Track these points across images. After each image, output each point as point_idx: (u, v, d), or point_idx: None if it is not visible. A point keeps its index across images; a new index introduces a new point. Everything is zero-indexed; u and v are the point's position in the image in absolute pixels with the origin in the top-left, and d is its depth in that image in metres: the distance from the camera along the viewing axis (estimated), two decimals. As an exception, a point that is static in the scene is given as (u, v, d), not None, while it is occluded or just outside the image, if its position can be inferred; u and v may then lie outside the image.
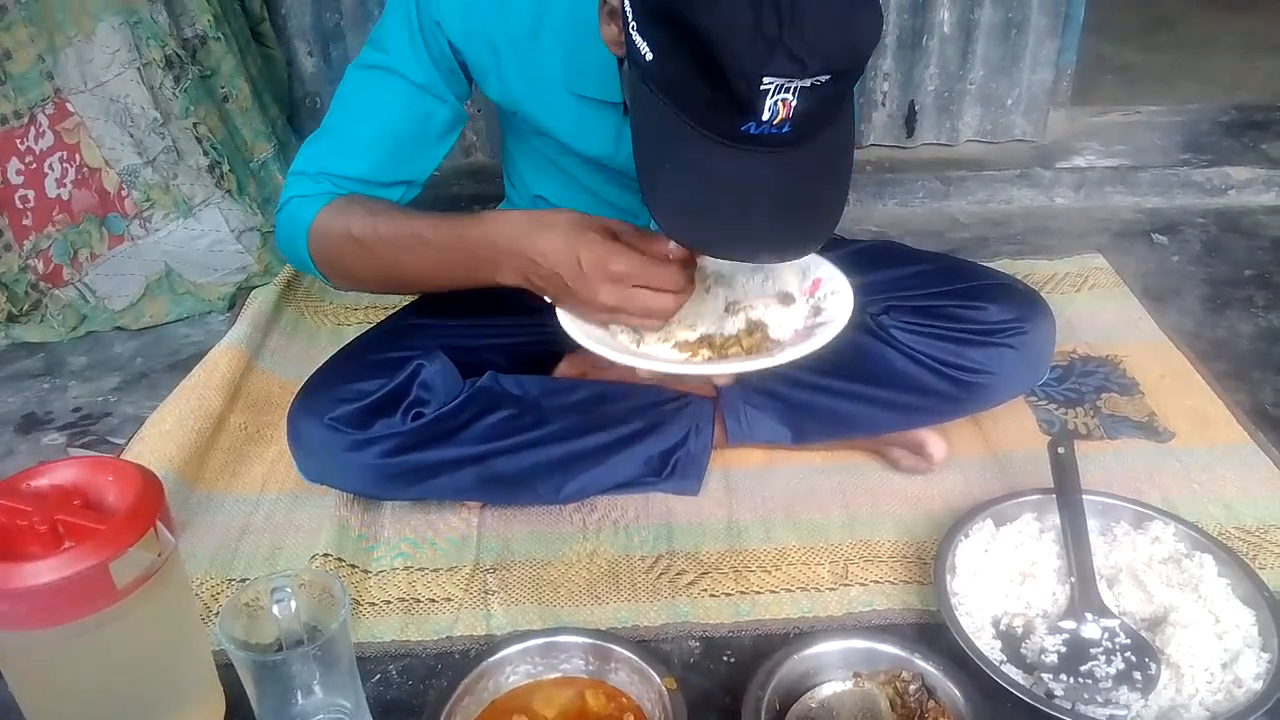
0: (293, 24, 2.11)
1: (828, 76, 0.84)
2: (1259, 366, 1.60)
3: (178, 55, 1.71)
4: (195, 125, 1.74)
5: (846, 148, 0.96)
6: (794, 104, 0.84)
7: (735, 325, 1.09)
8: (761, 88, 0.82)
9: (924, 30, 2.16)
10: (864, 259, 1.37)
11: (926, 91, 2.23)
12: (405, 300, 1.40)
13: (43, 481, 0.91)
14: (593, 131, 1.20)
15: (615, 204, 1.34)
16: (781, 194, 0.90)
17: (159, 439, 1.39)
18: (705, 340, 1.08)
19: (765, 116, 0.84)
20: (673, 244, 0.99)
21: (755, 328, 1.07)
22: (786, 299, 1.10)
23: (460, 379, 1.24)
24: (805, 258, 1.09)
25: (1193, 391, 1.53)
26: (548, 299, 1.07)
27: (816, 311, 1.08)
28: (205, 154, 1.76)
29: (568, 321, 1.05)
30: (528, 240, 1.05)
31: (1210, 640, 1.04)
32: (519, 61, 1.16)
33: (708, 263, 1.10)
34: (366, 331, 1.35)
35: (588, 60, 1.12)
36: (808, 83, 0.83)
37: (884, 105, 2.25)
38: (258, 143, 1.87)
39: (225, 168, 1.79)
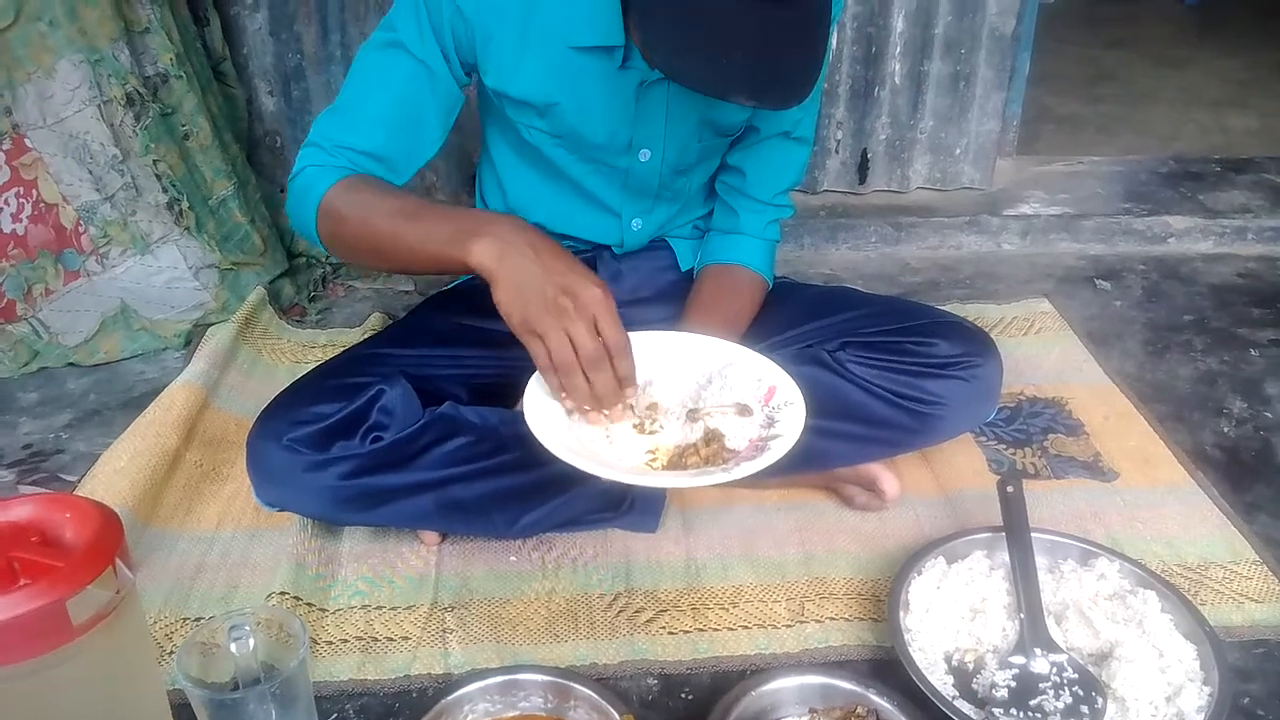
0: (254, 64, 2.12)
1: None
2: (1198, 409, 1.65)
3: (139, 93, 1.71)
4: (155, 163, 1.74)
5: (823, 24, 1.04)
6: None
7: (695, 433, 1.13)
8: None
9: (876, 81, 2.22)
10: (821, 302, 1.43)
11: (878, 140, 2.29)
12: (368, 333, 1.41)
13: (-1, 518, 0.90)
14: (589, 89, 1.24)
15: (603, 201, 1.38)
16: (760, 45, 0.98)
17: (112, 476, 1.38)
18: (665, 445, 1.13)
19: None
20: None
21: (713, 437, 1.12)
22: (744, 410, 1.15)
23: (420, 406, 1.25)
24: (760, 365, 1.18)
25: (1135, 432, 1.57)
26: (506, 319, 1.07)
27: (770, 422, 1.13)
28: (164, 191, 1.76)
29: (536, 423, 1.08)
30: (540, 236, 1.09)
31: (1154, 674, 1.07)
32: (520, 25, 1.20)
33: (674, 371, 1.15)
34: (327, 360, 1.35)
35: (586, 7, 1.18)
36: None
37: (837, 153, 2.31)
38: (217, 180, 1.87)
39: (184, 205, 1.79)
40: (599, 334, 1.04)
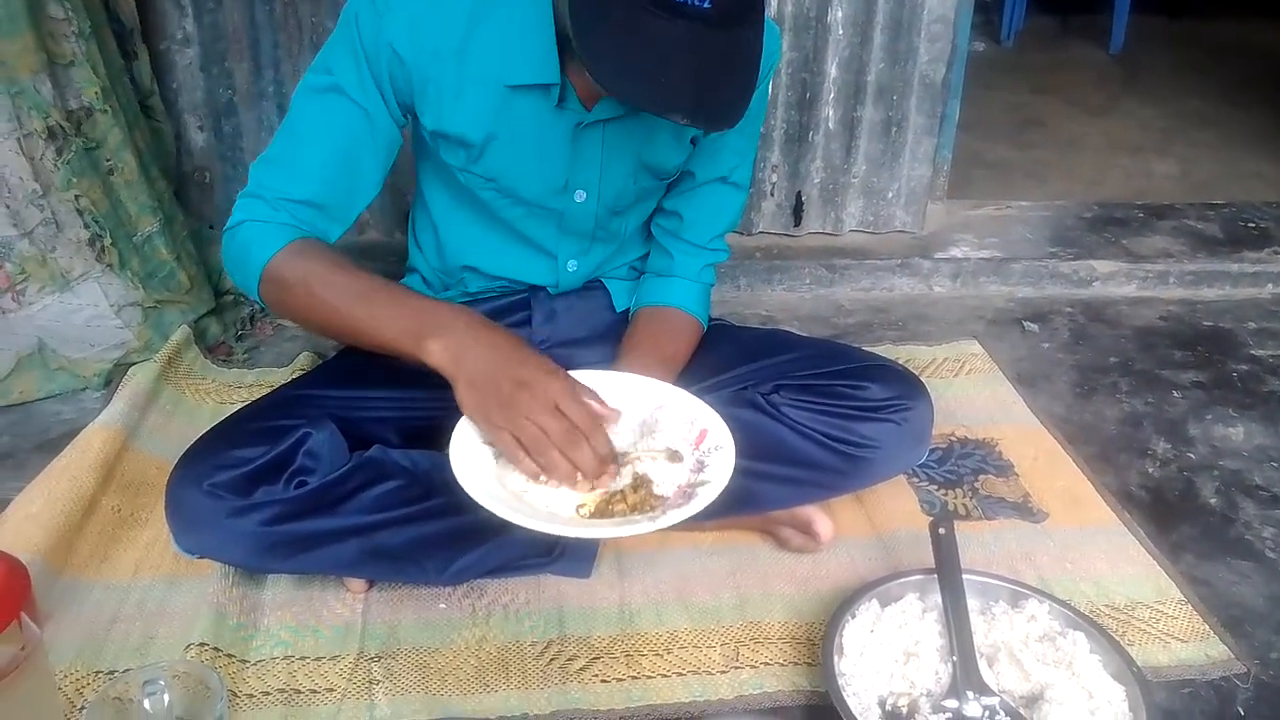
0: (184, 98, 2.09)
1: None
2: (1124, 449, 1.69)
3: (61, 127, 1.67)
4: (77, 198, 1.70)
5: (755, 54, 1.08)
6: None
7: (623, 480, 1.12)
8: None
9: (810, 126, 2.25)
10: (755, 345, 1.43)
11: (813, 183, 2.32)
12: (297, 373, 1.38)
13: (-105, 570, 0.86)
14: (526, 129, 1.24)
15: (539, 243, 1.37)
16: (698, 67, 1.01)
17: (24, 522, 1.33)
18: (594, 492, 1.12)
19: None
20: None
21: (641, 484, 1.11)
22: (674, 456, 1.15)
23: (347, 449, 1.22)
24: (694, 407, 1.19)
25: (1063, 473, 1.60)
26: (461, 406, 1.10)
27: (700, 467, 1.13)
28: (86, 227, 1.71)
29: (463, 472, 1.07)
30: (493, 331, 1.12)
31: (1084, 717, 1.08)
32: (456, 66, 1.20)
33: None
34: (251, 402, 1.32)
35: (523, 47, 1.19)
36: None
37: (772, 195, 2.33)
38: (143, 216, 1.82)
39: (107, 241, 1.74)
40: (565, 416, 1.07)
